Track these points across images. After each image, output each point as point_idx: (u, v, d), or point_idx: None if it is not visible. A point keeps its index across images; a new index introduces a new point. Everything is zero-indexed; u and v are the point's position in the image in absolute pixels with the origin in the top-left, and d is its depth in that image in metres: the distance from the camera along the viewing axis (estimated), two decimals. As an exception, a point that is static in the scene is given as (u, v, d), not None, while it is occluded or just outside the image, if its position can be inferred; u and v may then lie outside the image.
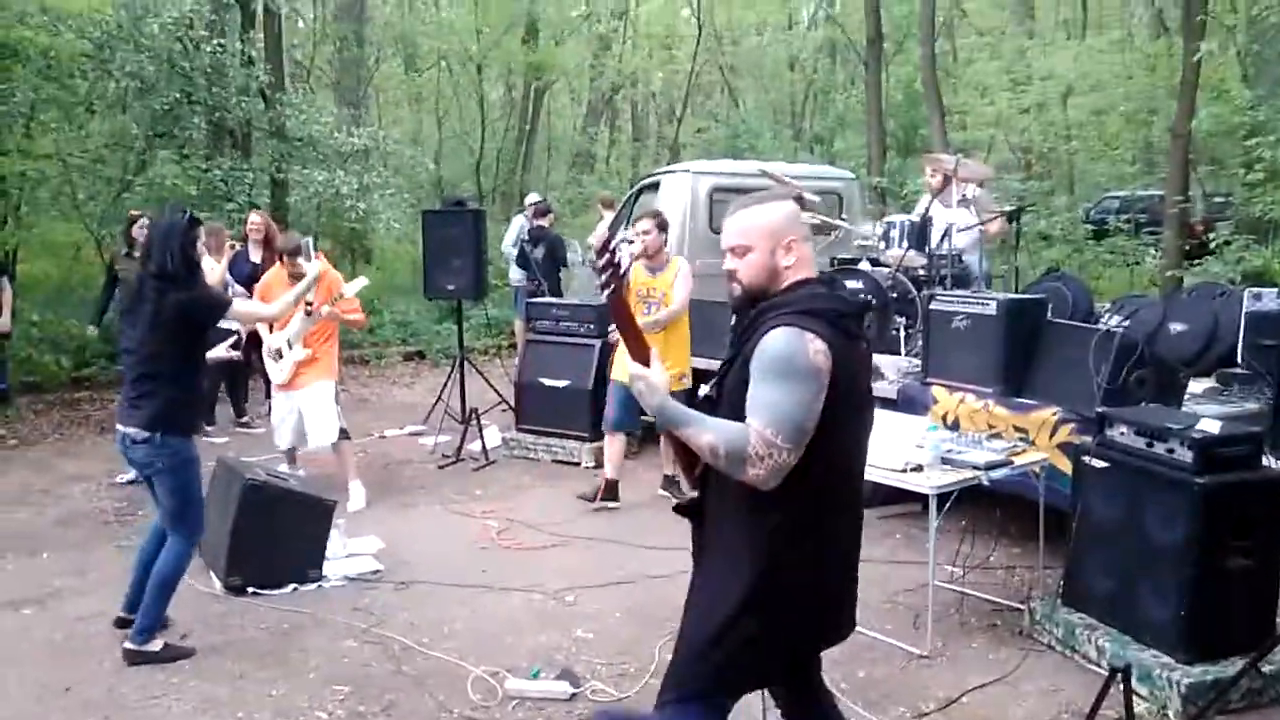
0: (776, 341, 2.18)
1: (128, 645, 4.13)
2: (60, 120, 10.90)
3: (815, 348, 2.17)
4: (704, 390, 2.44)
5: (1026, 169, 16.82)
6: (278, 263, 6.49)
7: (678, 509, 2.51)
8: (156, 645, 4.15)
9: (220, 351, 5.23)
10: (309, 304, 6.06)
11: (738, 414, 2.20)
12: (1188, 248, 11.29)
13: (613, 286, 2.29)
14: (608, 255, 2.27)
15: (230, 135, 11.70)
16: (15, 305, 8.36)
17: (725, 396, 2.30)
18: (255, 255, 8.39)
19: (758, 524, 2.26)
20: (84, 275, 11.43)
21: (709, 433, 2.18)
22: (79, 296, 10.86)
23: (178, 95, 10.47)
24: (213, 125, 11.28)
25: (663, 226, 6.29)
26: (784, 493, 2.18)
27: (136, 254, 8.00)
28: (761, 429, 2.13)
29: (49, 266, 12.07)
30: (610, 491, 6.30)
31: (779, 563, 2.27)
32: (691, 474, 2.47)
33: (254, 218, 8.75)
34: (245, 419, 8.59)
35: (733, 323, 2.57)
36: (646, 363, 2.31)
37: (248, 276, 8.01)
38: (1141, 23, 20.32)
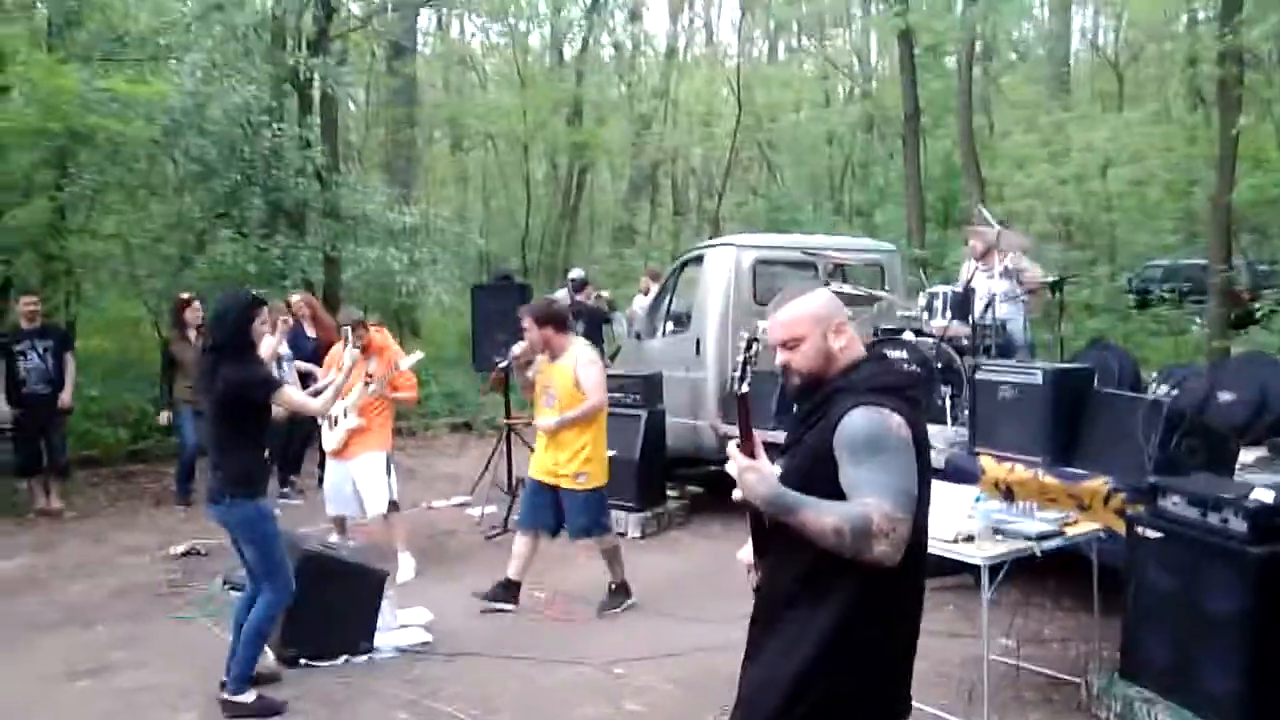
0: (861, 422, 2.23)
1: (224, 696, 4.31)
2: (123, 202, 11.35)
3: (897, 421, 2.25)
4: (776, 469, 2.40)
5: (1066, 239, 16.83)
6: (340, 340, 6.65)
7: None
8: (249, 696, 4.30)
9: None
10: (369, 375, 6.23)
11: (800, 491, 2.22)
12: (1233, 316, 11.20)
13: (744, 386, 2.30)
14: (745, 356, 2.29)
15: (287, 215, 12.05)
16: (75, 379, 8.60)
17: (790, 476, 2.30)
18: (310, 331, 8.63)
19: (832, 600, 2.27)
20: (141, 351, 11.75)
21: (830, 515, 2.14)
22: (136, 372, 11.16)
23: (238, 178, 10.84)
24: (270, 205, 11.64)
25: (540, 320, 5.61)
26: (858, 566, 2.18)
27: (189, 335, 8.29)
28: (880, 504, 2.13)
29: (107, 342, 12.45)
30: (511, 592, 5.80)
31: (852, 638, 2.28)
32: (758, 557, 2.49)
33: (295, 297, 9.00)
34: (286, 490, 8.70)
35: (794, 410, 2.60)
36: (753, 455, 2.28)
37: (310, 352, 8.25)
38: (1178, 96, 20.41)
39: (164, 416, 8.49)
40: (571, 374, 5.57)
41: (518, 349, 5.89)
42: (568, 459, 5.61)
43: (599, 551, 5.85)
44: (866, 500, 2.14)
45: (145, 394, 10.31)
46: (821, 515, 2.14)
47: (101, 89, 8.94)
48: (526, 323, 5.66)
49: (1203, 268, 12.50)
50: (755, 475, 2.24)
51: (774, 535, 2.32)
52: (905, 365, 6.54)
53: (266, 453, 4.67)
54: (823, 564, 2.22)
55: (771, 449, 2.36)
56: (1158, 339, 12.42)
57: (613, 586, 5.82)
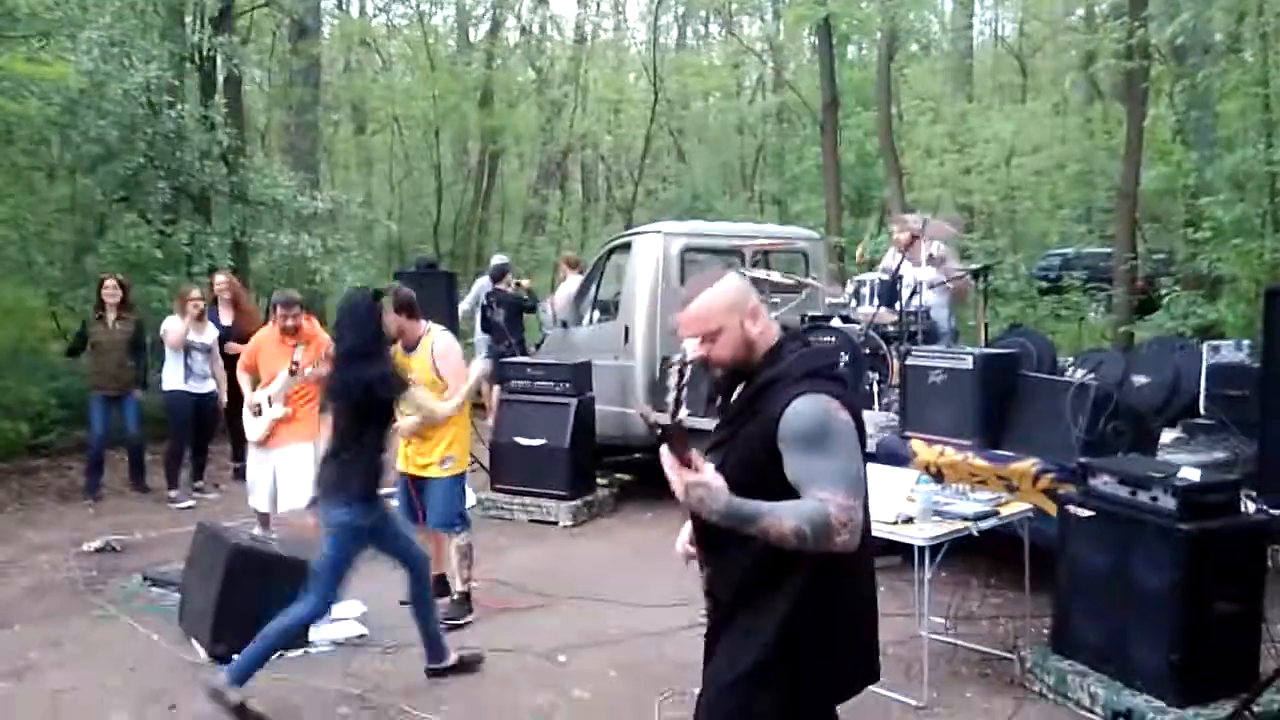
0: (806, 412, 2.22)
1: (213, 683, 4.02)
2: (14, 185, 10.80)
3: (835, 405, 2.25)
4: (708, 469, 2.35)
5: (972, 229, 17.34)
6: (270, 323, 6.44)
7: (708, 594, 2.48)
8: (235, 697, 3.99)
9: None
10: (295, 363, 6.06)
11: (742, 487, 2.19)
12: (1135, 303, 11.70)
13: (681, 413, 2.14)
14: (676, 383, 2.15)
15: (192, 199, 11.63)
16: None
17: (729, 472, 2.25)
18: (225, 317, 8.37)
19: (786, 586, 2.28)
20: (38, 340, 11.21)
21: (789, 519, 2.13)
22: (34, 362, 10.64)
23: (140, 160, 10.41)
24: (175, 189, 11.21)
25: (399, 307, 5.13)
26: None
27: (107, 318, 7.98)
28: (834, 495, 2.14)
29: (2, 333, 11.83)
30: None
31: (808, 620, 2.29)
32: (702, 555, 2.46)
33: (220, 278, 8.75)
34: (201, 484, 8.42)
35: (717, 403, 2.50)
36: (691, 467, 2.17)
37: (219, 338, 7.99)
38: (1076, 88, 21.15)
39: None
40: (429, 363, 5.18)
41: None
42: (431, 446, 5.26)
43: (453, 548, 5.40)
44: (819, 495, 2.15)
45: (45, 385, 9.86)
46: (781, 521, 2.13)
47: (-3, 68, 8.49)
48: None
49: (1105, 256, 13.01)
50: (704, 490, 2.17)
51: (719, 533, 2.27)
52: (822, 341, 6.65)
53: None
54: (770, 555, 2.22)
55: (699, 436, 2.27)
56: (1065, 324, 12.88)
57: (455, 596, 5.41)
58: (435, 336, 5.24)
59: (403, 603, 5.40)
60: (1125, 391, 5.79)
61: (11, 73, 8.49)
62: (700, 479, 2.17)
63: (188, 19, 12.74)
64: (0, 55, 9.21)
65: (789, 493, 2.20)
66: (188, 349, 8.03)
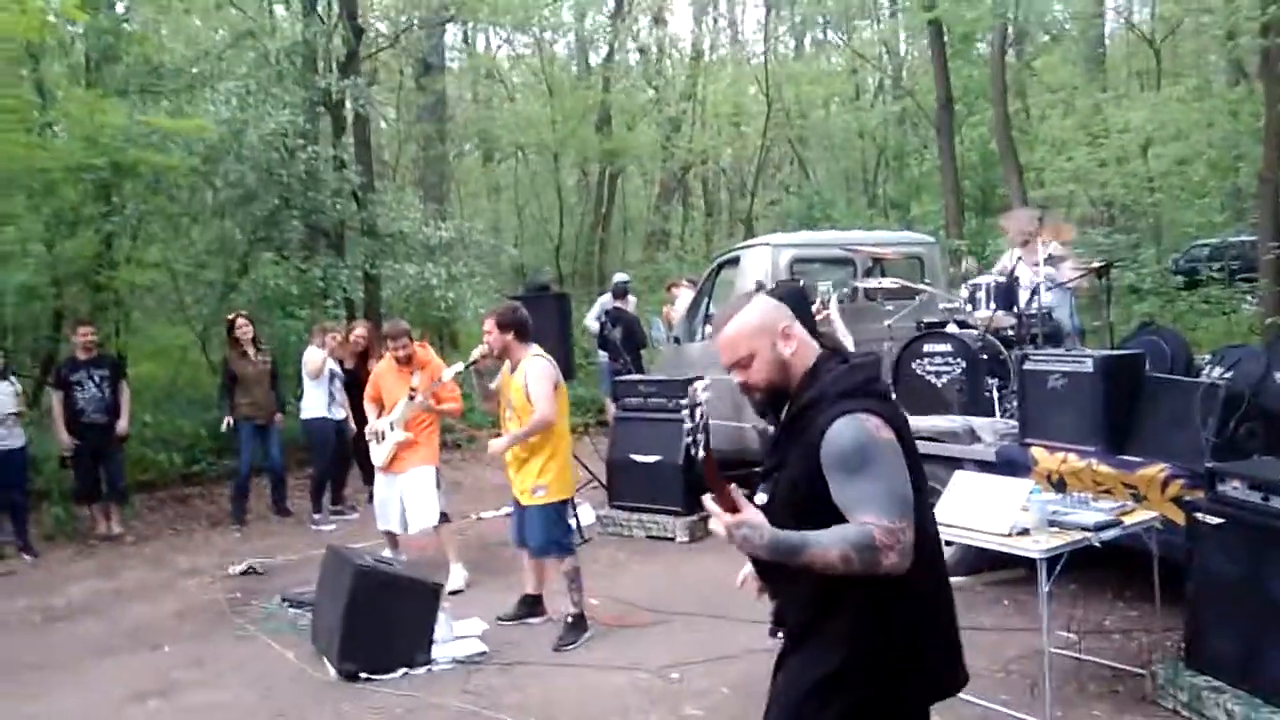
0: (845, 434, 2.19)
1: None
2: (166, 230, 11.58)
3: (875, 423, 2.21)
4: (760, 497, 2.37)
5: (1109, 222, 16.58)
6: (387, 354, 6.71)
7: (773, 630, 2.48)
8: None
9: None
10: (413, 389, 6.30)
11: (794, 513, 2.19)
12: (1284, 294, 10.94)
13: (702, 449, 2.18)
14: (691, 427, 2.20)
15: (325, 235, 12.22)
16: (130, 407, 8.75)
17: (779, 499, 2.27)
18: (349, 363, 8.76)
19: (847, 606, 2.25)
20: (191, 375, 11.96)
21: (833, 548, 2.12)
22: (186, 396, 11.37)
23: (276, 201, 11.01)
24: (309, 227, 11.81)
25: (503, 325, 5.25)
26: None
27: (248, 351, 8.47)
28: (878, 519, 2.12)
29: (156, 368, 12.67)
30: (531, 607, 5.76)
31: (876, 635, 2.25)
32: (767, 586, 2.46)
33: (359, 330, 9.11)
34: (340, 506, 8.83)
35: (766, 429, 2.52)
36: (734, 509, 2.17)
37: (344, 383, 8.42)
38: (1218, 70, 20.02)
39: (226, 423, 8.48)
40: (523, 386, 5.25)
41: (477, 353, 5.41)
42: (526, 473, 5.39)
43: (560, 574, 5.44)
44: (863, 519, 2.12)
45: (197, 418, 10.50)
46: (826, 550, 2.12)
47: (143, 122, 9.12)
48: (488, 325, 5.30)
49: (1252, 244, 12.24)
50: (747, 529, 2.15)
51: (775, 565, 2.25)
52: (952, 359, 6.49)
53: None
54: (828, 579, 2.18)
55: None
56: (1209, 319, 12.17)
57: (569, 619, 5.40)
58: (531, 361, 5.29)
59: (499, 619, 5.56)
60: (1265, 390, 5.43)
61: (156, 127, 9.08)
62: (742, 519, 2.16)
63: (319, 65, 13.40)
64: (149, 111, 9.93)
65: (842, 515, 2.18)
66: (331, 377, 8.46)
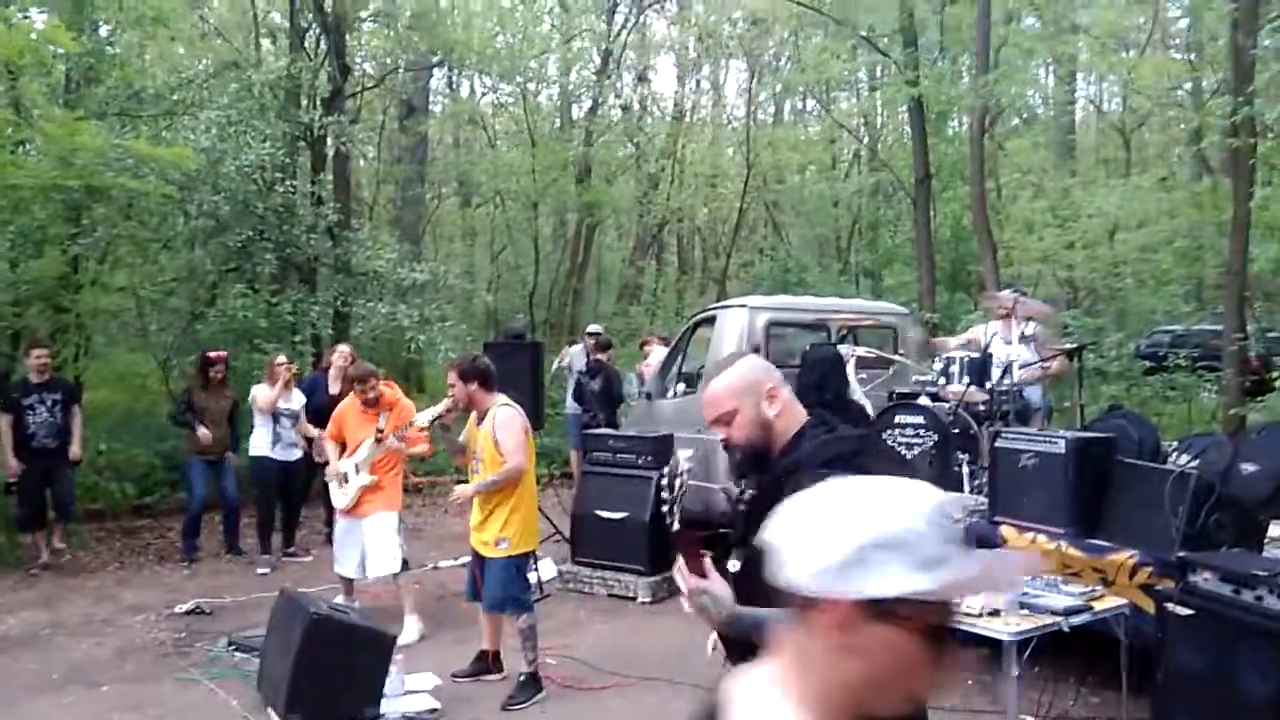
0: None
1: None
2: (134, 255, 11.42)
3: None
4: (733, 564, 2.34)
5: (1074, 304, 16.85)
6: (352, 394, 6.60)
7: None
8: None
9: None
10: (380, 430, 6.18)
11: (769, 583, 2.16)
12: (1247, 384, 11.13)
13: (676, 525, 2.19)
14: (672, 497, 2.21)
15: (298, 270, 12.10)
16: (82, 433, 8.52)
17: (755, 566, 2.24)
18: (334, 386, 8.54)
19: None
20: (150, 404, 11.71)
21: None
22: (143, 424, 11.12)
23: (250, 233, 10.90)
24: (282, 261, 11.69)
25: (465, 375, 5.19)
26: None
27: (218, 386, 8.32)
28: None
29: (114, 395, 12.41)
30: (488, 663, 5.57)
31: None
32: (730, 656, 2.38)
33: (343, 348, 8.95)
34: (293, 549, 8.61)
35: (739, 492, 2.48)
36: (703, 575, 2.14)
37: (323, 405, 8.11)
38: (1183, 162, 20.57)
39: (203, 433, 8.19)
40: (491, 435, 5.17)
41: (441, 407, 5.37)
42: (488, 524, 5.28)
43: (515, 630, 5.33)
44: None
45: (152, 447, 10.26)
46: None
47: (120, 147, 9.01)
48: (451, 378, 5.23)
49: (1214, 334, 12.46)
50: (708, 598, 2.13)
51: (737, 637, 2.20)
52: (923, 432, 6.50)
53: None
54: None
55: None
56: (1173, 405, 12.34)
57: (522, 677, 5.27)
58: (500, 410, 5.23)
59: (454, 676, 5.42)
60: (1231, 480, 5.47)
61: (135, 152, 8.98)
62: (704, 585, 2.12)
63: (303, 100, 13.38)
64: (126, 135, 9.83)
65: None
66: (275, 416, 8.26)
